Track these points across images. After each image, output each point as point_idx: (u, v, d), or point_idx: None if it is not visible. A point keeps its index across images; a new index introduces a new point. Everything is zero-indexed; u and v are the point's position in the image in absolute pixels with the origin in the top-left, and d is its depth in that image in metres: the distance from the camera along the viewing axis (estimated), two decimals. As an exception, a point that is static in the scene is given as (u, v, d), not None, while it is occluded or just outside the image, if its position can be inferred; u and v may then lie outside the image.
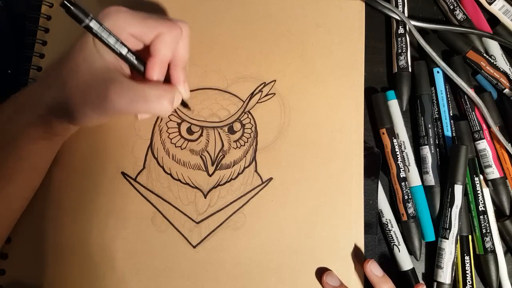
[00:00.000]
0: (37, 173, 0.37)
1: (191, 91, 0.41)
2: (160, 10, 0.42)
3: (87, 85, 0.32)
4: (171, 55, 0.33)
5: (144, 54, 0.34)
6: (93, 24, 0.30)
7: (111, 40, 0.31)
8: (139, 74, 0.34)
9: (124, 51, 0.32)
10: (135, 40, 0.33)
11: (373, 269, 0.38)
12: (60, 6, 0.29)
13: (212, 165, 0.41)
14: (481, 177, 0.44)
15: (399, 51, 0.45)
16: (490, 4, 0.48)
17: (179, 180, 0.40)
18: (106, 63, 0.32)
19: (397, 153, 0.42)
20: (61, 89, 0.33)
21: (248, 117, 0.42)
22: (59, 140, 0.37)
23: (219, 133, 0.41)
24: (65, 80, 0.32)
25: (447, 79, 0.45)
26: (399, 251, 0.41)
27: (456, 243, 0.41)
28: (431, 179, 0.43)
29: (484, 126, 0.44)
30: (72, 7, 0.29)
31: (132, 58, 0.33)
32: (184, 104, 0.37)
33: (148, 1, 0.42)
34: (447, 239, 0.41)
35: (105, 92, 0.31)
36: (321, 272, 0.39)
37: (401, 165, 0.42)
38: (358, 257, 0.40)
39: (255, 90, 0.42)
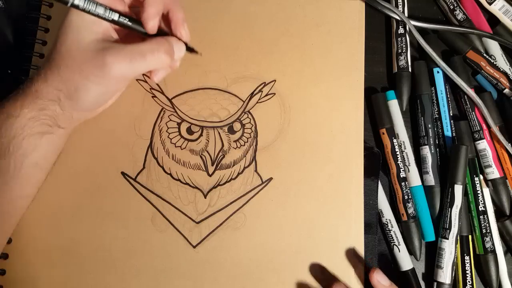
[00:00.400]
0: (40, 171, 0.36)
1: (191, 91, 0.42)
2: None
3: (83, 61, 0.32)
4: None
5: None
6: (78, 1, 0.31)
7: (100, 10, 0.32)
8: (135, 36, 0.35)
9: (115, 16, 0.33)
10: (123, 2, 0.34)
11: (380, 279, 0.38)
12: None
13: (212, 165, 0.41)
14: (481, 177, 0.44)
15: (399, 51, 0.45)
16: (490, 4, 0.47)
17: (179, 180, 0.40)
18: (95, 36, 0.33)
19: (397, 153, 0.42)
20: (58, 75, 0.33)
21: (248, 117, 0.42)
22: (63, 135, 0.37)
23: (219, 133, 0.41)
24: (60, 66, 0.33)
25: (447, 79, 0.45)
26: (399, 251, 0.41)
27: (456, 243, 0.41)
28: (431, 179, 0.43)
29: (484, 126, 0.44)
30: None
31: (126, 21, 0.34)
32: (190, 49, 0.38)
33: None
34: (447, 239, 0.41)
35: (102, 61, 0.32)
36: (320, 270, 0.39)
37: (401, 165, 0.42)
38: (358, 257, 0.40)
39: (255, 90, 0.42)
